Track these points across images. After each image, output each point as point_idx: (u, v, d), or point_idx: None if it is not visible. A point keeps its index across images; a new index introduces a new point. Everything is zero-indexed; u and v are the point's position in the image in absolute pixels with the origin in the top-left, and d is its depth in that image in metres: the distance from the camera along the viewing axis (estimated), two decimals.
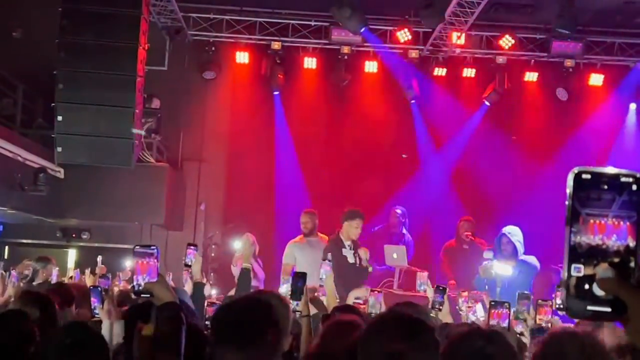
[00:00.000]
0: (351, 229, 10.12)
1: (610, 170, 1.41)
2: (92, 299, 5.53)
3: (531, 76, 14.09)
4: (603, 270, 1.39)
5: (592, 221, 1.40)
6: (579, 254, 1.41)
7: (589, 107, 14.32)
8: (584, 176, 1.41)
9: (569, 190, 1.42)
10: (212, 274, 13.45)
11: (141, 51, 11.15)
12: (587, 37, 13.61)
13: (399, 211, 12.33)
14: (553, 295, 6.73)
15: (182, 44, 13.81)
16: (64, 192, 12.18)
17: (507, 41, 13.52)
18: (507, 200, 13.71)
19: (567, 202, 1.42)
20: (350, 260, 10.02)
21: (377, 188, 13.72)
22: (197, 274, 6.48)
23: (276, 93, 14.19)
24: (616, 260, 1.39)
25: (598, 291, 1.40)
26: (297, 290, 5.07)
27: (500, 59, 13.84)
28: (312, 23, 13.80)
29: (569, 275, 1.41)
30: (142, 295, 3.82)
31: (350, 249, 10.13)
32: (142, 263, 3.78)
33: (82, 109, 11.16)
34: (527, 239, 10.41)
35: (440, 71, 14.08)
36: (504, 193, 13.84)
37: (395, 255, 11.87)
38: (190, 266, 6.67)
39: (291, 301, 5.48)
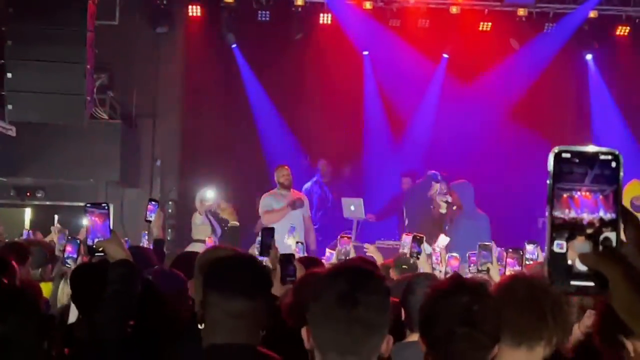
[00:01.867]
0: None
1: (590, 148, 1.45)
2: (68, 248, 5.65)
3: (485, 26, 14.10)
4: (580, 244, 1.42)
5: (571, 197, 1.43)
6: (560, 230, 1.43)
7: (543, 56, 14.38)
8: (563, 155, 1.44)
9: (549, 168, 1.44)
10: (170, 230, 13.42)
11: (91, 5, 10.95)
12: None
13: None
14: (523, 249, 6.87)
15: None
16: (16, 151, 12.02)
17: None
18: (467, 151, 13.84)
19: (548, 181, 1.44)
20: None
21: (337, 141, 13.75)
22: (157, 230, 6.44)
23: (234, 46, 14.05)
24: (589, 231, 1.41)
25: (581, 266, 1.42)
26: (265, 246, 5.07)
27: (454, 9, 13.81)
28: None
29: (552, 252, 1.43)
30: (95, 254, 3.80)
31: None
32: (94, 221, 3.76)
33: (32, 66, 10.95)
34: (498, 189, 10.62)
35: (394, 22, 14.03)
36: (463, 145, 13.95)
37: (353, 207, 11.95)
38: (150, 222, 6.64)
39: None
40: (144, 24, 13.82)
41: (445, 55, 14.28)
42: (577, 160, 1.44)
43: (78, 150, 12.19)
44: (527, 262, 6.72)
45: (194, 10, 13.82)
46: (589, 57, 14.45)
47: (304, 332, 2.42)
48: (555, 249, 1.43)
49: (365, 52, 14.15)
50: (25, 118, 11.22)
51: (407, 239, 7.84)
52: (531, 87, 14.26)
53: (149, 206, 6.64)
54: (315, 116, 14.04)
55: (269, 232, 5.15)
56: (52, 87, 10.92)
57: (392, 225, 12.73)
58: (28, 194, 13.03)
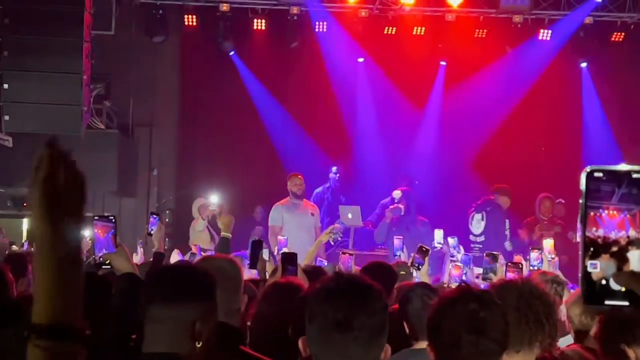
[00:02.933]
0: None
1: (622, 167, 1.46)
2: None
3: (481, 33, 14.13)
4: (605, 262, 1.43)
5: (604, 216, 1.44)
6: (593, 250, 1.44)
7: (539, 62, 14.41)
8: (595, 174, 1.45)
9: (582, 188, 1.45)
10: (166, 239, 13.41)
11: (87, 16, 10.97)
12: None
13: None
14: (527, 257, 6.89)
15: (128, 7, 13.59)
16: (13, 161, 12.00)
17: None
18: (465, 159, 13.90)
19: (580, 201, 1.45)
20: None
21: (333, 149, 13.75)
22: (157, 243, 6.42)
23: (232, 53, 14.04)
24: (614, 250, 1.42)
25: (615, 285, 1.42)
26: (254, 259, 5.07)
27: (450, 16, 13.84)
28: None
29: (585, 271, 1.44)
30: (102, 267, 3.81)
31: None
32: (101, 234, 3.77)
33: (29, 77, 10.98)
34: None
35: (390, 30, 14.06)
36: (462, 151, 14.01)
37: (350, 215, 11.95)
38: (152, 235, 6.62)
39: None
40: (140, 34, 13.83)
41: (443, 63, 14.28)
42: (606, 179, 1.45)
43: (75, 160, 12.16)
44: (531, 268, 6.76)
45: (190, 20, 13.82)
46: (583, 64, 14.43)
47: (300, 342, 2.43)
48: (589, 268, 1.44)
49: (361, 59, 14.14)
50: (23, 129, 11.21)
51: (397, 242, 7.88)
52: (527, 94, 14.26)
53: (150, 219, 6.63)
54: (311, 124, 14.04)
55: (257, 245, 5.14)
56: (48, 98, 10.92)
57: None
58: (25, 204, 13.00)
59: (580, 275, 1.45)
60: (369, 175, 13.76)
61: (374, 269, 5.38)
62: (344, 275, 2.68)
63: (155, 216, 6.70)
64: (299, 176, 10.92)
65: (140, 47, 13.90)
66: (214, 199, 10.75)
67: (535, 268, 6.89)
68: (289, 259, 4.91)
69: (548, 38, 14.12)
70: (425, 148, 14.32)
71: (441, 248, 8.18)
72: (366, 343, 2.36)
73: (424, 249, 6.53)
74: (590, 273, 1.43)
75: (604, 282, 1.43)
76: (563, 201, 12.10)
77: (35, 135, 11.57)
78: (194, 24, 13.88)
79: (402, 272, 6.78)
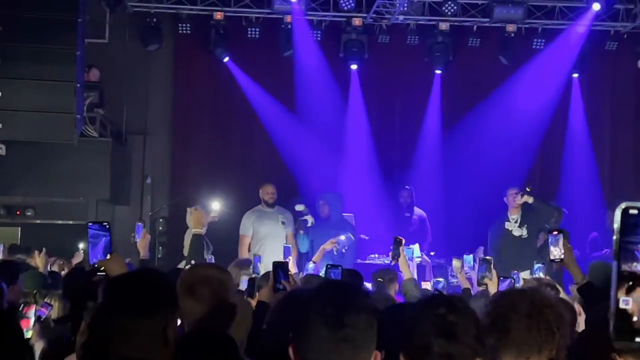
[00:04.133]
0: None
1: None
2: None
3: (474, 42, 14.17)
4: (639, 295, 1.43)
5: (635, 250, 1.44)
6: (627, 286, 1.43)
7: (532, 72, 14.46)
8: (631, 211, 1.45)
9: (616, 225, 1.45)
10: (160, 247, 13.40)
11: (80, 24, 10.96)
12: (528, 2, 13.70)
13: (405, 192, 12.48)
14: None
15: (122, 15, 13.60)
16: (6, 169, 11.97)
17: (449, 7, 13.53)
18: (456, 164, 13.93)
19: (614, 237, 1.45)
20: None
21: (327, 158, 13.74)
22: (142, 251, 6.42)
23: (226, 59, 14.02)
24: None
25: None
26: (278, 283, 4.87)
27: (443, 26, 13.88)
28: None
29: (618, 307, 1.43)
30: (97, 274, 3.81)
31: None
32: (96, 240, 3.77)
33: (23, 84, 10.97)
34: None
35: (384, 39, 14.09)
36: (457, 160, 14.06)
37: None
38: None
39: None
40: (134, 42, 13.83)
41: (438, 71, 14.30)
42: None
43: (68, 168, 12.15)
44: (465, 274, 6.95)
45: (184, 28, 13.83)
46: (575, 75, 14.45)
47: (290, 350, 2.42)
48: (622, 305, 1.43)
49: (354, 66, 14.14)
50: (16, 137, 11.21)
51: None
52: (522, 103, 14.29)
53: (136, 227, 6.65)
54: (305, 132, 14.01)
55: (282, 268, 4.90)
56: (42, 106, 10.91)
57: (385, 240, 12.68)
58: (18, 212, 12.99)
59: (611, 309, 1.45)
60: (364, 183, 13.75)
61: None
62: (332, 279, 2.72)
63: (139, 224, 6.72)
64: (271, 185, 11.08)
65: (133, 55, 13.90)
66: (215, 205, 10.74)
67: (468, 273, 7.11)
68: (280, 268, 4.86)
69: (542, 47, 14.17)
70: (422, 155, 14.33)
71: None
72: (356, 344, 2.36)
73: (397, 239, 6.56)
74: (622, 309, 1.43)
75: (635, 318, 1.42)
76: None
77: (28, 143, 11.57)
78: (188, 32, 13.89)
79: (379, 280, 6.84)
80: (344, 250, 9.73)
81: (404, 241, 6.62)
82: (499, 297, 3.14)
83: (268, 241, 10.73)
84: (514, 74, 14.29)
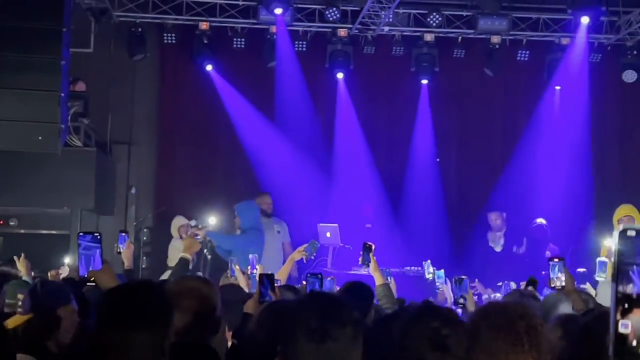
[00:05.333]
0: None
1: None
2: None
3: (459, 53, 14.22)
4: (637, 317, 1.42)
5: (633, 272, 1.44)
6: (625, 309, 1.43)
7: (516, 83, 14.53)
8: (629, 233, 1.45)
9: (614, 247, 1.45)
10: (144, 258, 13.36)
11: (65, 33, 10.93)
12: (512, 14, 13.78)
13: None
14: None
15: (107, 25, 13.57)
16: None
17: (434, 19, 13.58)
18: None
19: (612, 259, 1.46)
20: None
21: (315, 169, 13.76)
22: (127, 261, 6.39)
23: (210, 68, 14.01)
24: None
25: None
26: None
27: (428, 37, 13.93)
28: (240, 3, 13.67)
29: (617, 332, 1.43)
30: (87, 284, 3.82)
31: None
32: (88, 252, 3.77)
33: (7, 94, 10.93)
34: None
35: (369, 49, 14.12)
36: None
37: (329, 233, 11.96)
38: (120, 253, 6.60)
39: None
40: (119, 52, 13.81)
41: (424, 82, 14.34)
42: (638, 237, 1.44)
43: (53, 177, 12.10)
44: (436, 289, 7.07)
45: (169, 38, 13.82)
46: (557, 87, 14.50)
47: None
48: (621, 329, 1.43)
49: (340, 75, 14.16)
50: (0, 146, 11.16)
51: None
52: (506, 114, 14.37)
53: (119, 237, 6.63)
54: (292, 141, 14.01)
55: (268, 279, 4.92)
56: (26, 115, 10.87)
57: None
58: (1, 222, 12.92)
59: (611, 332, 1.45)
60: (349, 193, 13.77)
61: (352, 288, 5.39)
62: (316, 292, 2.74)
63: (124, 234, 6.70)
64: (268, 195, 11.00)
65: (118, 65, 13.88)
66: (212, 220, 10.69)
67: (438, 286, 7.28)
68: (266, 281, 4.85)
69: (526, 59, 14.24)
70: (404, 167, 14.36)
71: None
72: (342, 355, 2.37)
73: (367, 245, 6.59)
74: (621, 334, 1.43)
75: (634, 343, 1.42)
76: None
77: (12, 153, 11.52)
78: (173, 42, 13.87)
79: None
80: (312, 257, 9.61)
81: (373, 247, 6.63)
82: (477, 308, 3.17)
83: (265, 251, 10.61)
84: (498, 85, 14.35)
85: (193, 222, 10.29)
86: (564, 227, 12.78)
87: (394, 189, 13.94)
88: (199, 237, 7.60)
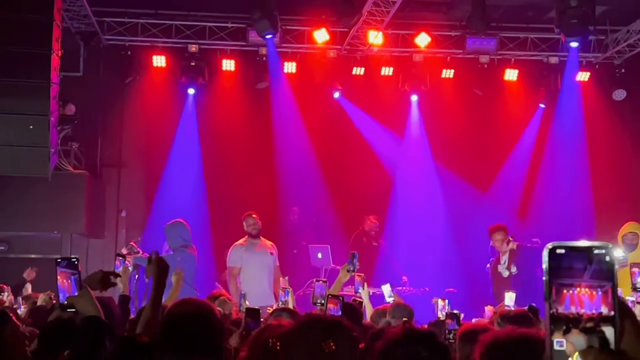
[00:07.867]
0: None
1: (583, 243, 1.47)
2: None
3: (448, 73, 14.24)
4: (575, 337, 1.43)
5: (568, 293, 1.45)
6: (559, 326, 1.45)
7: (504, 102, 14.58)
8: (557, 251, 1.46)
9: (544, 265, 1.46)
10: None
11: (54, 58, 10.93)
12: (500, 34, 13.84)
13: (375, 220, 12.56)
14: None
15: (97, 49, 13.57)
16: None
17: (423, 39, 13.63)
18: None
19: (544, 278, 1.46)
20: None
21: (308, 190, 13.75)
22: (122, 286, 6.36)
23: (191, 92, 14.01)
24: (588, 325, 1.43)
25: None
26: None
27: (417, 57, 13.98)
28: (229, 25, 13.71)
29: (552, 349, 1.45)
30: (67, 310, 3.78)
31: None
32: (65, 276, 3.74)
33: None
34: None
35: (358, 70, 14.15)
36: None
37: (320, 255, 11.94)
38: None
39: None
40: (108, 75, 13.81)
41: (414, 98, 14.40)
42: (574, 255, 1.45)
43: (43, 202, 12.07)
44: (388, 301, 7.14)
45: (159, 61, 13.82)
46: (542, 105, 14.54)
47: None
48: (556, 347, 1.44)
49: (337, 94, 14.22)
50: None
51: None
52: (496, 133, 14.40)
53: (115, 262, 6.60)
54: (282, 162, 14.01)
55: (252, 315, 4.90)
56: (16, 140, 10.86)
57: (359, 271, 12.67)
58: None
59: (547, 352, 1.46)
60: (341, 213, 13.76)
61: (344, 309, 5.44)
62: (314, 314, 2.76)
63: (121, 258, 6.67)
64: (253, 215, 10.84)
65: (108, 88, 13.88)
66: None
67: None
68: (252, 315, 4.83)
69: (514, 78, 14.28)
70: (401, 184, 14.42)
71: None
72: None
73: (352, 253, 6.76)
74: (557, 351, 1.44)
75: (570, 359, 1.44)
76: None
77: (2, 177, 11.48)
78: (163, 65, 13.88)
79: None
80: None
81: (356, 254, 6.75)
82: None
83: (256, 272, 10.56)
84: (486, 104, 14.40)
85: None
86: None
87: (383, 206, 13.93)
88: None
